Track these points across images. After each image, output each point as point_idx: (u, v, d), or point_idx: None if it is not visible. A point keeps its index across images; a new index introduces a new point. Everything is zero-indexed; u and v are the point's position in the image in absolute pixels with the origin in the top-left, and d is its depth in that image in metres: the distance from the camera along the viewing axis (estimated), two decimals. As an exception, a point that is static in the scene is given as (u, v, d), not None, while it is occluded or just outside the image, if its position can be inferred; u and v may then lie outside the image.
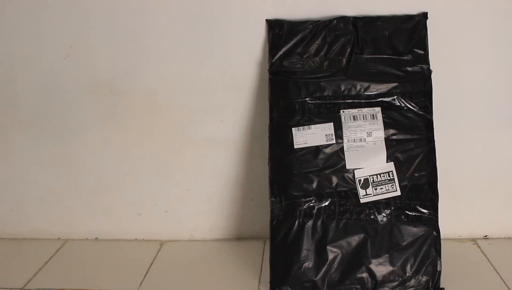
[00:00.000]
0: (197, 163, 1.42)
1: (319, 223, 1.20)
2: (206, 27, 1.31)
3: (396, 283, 1.18)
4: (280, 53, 1.26)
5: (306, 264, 1.19)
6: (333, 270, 1.18)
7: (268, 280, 1.21)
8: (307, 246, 1.19)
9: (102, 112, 1.40)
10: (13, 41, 1.36)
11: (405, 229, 1.19)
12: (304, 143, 1.22)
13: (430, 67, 1.24)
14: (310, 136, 1.22)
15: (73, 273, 1.35)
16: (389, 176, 1.20)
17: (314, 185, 1.21)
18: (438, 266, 1.18)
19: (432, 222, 1.20)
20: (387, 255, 1.18)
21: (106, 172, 1.45)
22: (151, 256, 1.41)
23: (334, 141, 1.22)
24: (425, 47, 1.24)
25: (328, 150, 1.22)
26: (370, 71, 1.24)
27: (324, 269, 1.18)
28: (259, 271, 1.32)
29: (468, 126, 1.34)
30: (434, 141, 1.23)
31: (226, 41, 1.31)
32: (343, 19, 1.26)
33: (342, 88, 1.23)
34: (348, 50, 1.25)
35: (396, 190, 1.20)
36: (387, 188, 1.20)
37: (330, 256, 1.19)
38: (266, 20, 1.29)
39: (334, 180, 1.21)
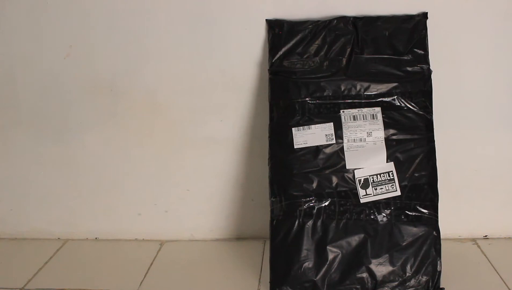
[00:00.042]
0: (197, 163, 1.42)
1: (319, 223, 1.20)
2: (206, 27, 1.31)
3: (396, 283, 1.18)
4: (280, 53, 1.26)
5: (306, 264, 1.19)
6: (333, 270, 1.18)
7: (268, 280, 1.21)
8: (307, 246, 1.19)
9: (102, 112, 1.40)
10: (13, 41, 1.37)
11: (405, 229, 1.19)
12: (304, 143, 1.22)
13: (430, 67, 1.24)
14: (310, 136, 1.22)
15: (73, 273, 1.35)
16: (389, 176, 1.20)
17: (314, 185, 1.21)
18: (438, 266, 1.18)
19: (432, 222, 1.20)
20: (387, 255, 1.18)
21: (106, 172, 1.45)
22: (151, 256, 1.41)
23: (334, 141, 1.22)
24: (425, 47, 1.24)
25: (328, 150, 1.22)
26: (370, 71, 1.24)
27: (324, 269, 1.18)
28: (259, 271, 1.32)
29: (468, 126, 1.34)
30: (434, 141, 1.23)
31: (226, 41, 1.31)
32: (343, 19, 1.26)
33: (342, 88, 1.23)
34: (348, 50, 1.25)
35: (396, 190, 1.20)
36: (387, 188, 1.20)
37: (330, 256, 1.19)
38: (266, 20, 1.29)
39: (334, 180, 1.21)
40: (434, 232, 1.19)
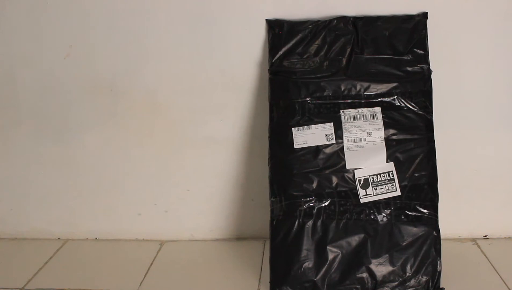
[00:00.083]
0: (197, 163, 1.42)
1: (319, 223, 1.20)
2: (206, 27, 1.31)
3: (396, 283, 1.18)
4: (280, 53, 1.26)
5: (306, 264, 1.19)
6: (333, 270, 1.18)
7: (268, 280, 1.21)
8: (307, 246, 1.19)
9: (102, 112, 1.40)
10: (13, 41, 1.37)
11: (405, 229, 1.19)
12: (304, 143, 1.22)
13: (430, 67, 1.24)
14: (310, 136, 1.22)
15: (73, 273, 1.35)
16: (389, 176, 1.20)
17: (314, 185, 1.21)
18: (438, 266, 1.18)
19: (432, 222, 1.20)
20: (387, 255, 1.18)
21: (106, 172, 1.45)
22: (151, 256, 1.41)
23: (334, 141, 1.22)
24: (425, 47, 1.24)
25: (328, 150, 1.22)
26: (370, 71, 1.24)
27: (324, 269, 1.18)
28: (259, 271, 1.32)
29: (468, 126, 1.34)
30: (434, 141, 1.23)
31: (226, 41, 1.31)
32: (343, 19, 1.26)
33: (342, 88, 1.23)
34: (348, 50, 1.25)
35: (396, 190, 1.20)
36: (387, 188, 1.20)
37: (330, 256, 1.19)
38: (266, 20, 1.29)
39: (334, 180, 1.21)
40: (434, 232, 1.19)
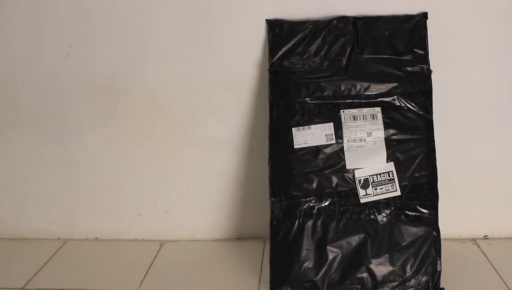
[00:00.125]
0: (197, 163, 1.42)
1: (319, 223, 1.20)
2: (206, 27, 1.31)
3: (396, 283, 1.18)
4: (280, 53, 1.26)
5: (306, 264, 1.19)
6: (333, 270, 1.18)
7: (268, 280, 1.21)
8: (307, 246, 1.19)
9: (102, 112, 1.40)
10: (13, 41, 1.37)
11: (405, 229, 1.19)
12: (304, 143, 1.22)
13: (430, 67, 1.24)
14: (310, 136, 1.22)
15: (73, 273, 1.35)
16: (389, 176, 1.20)
17: (314, 185, 1.21)
18: (438, 266, 1.18)
19: (432, 222, 1.20)
20: (387, 255, 1.18)
21: (106, 172, 1.45)
22: (151, 256, 1.41)
23: (334, 141, 1.22)
24: (425, 47, 1.24)
25: (328, 150, 1.22)
26: (370, 71, 1.24)
27: (324, 269, 1.18)
28: (259, 271, 1.32)
29: (468, 126, 1.34)
30: (434, 141, 1.23)
31: (226, 41, 1.31)
32: (343, 19, 1.26)
33: (342, 88, 1.23)
34: (348, 50, 1.25)
35: (396, 190, 1.20)
36: (387, 188, 1.20)
37: (330, 256, 1.19)
38: (266, 20, 1.29)
39: (334, 180, 1.21)
40: (434, 232, 1.19)
